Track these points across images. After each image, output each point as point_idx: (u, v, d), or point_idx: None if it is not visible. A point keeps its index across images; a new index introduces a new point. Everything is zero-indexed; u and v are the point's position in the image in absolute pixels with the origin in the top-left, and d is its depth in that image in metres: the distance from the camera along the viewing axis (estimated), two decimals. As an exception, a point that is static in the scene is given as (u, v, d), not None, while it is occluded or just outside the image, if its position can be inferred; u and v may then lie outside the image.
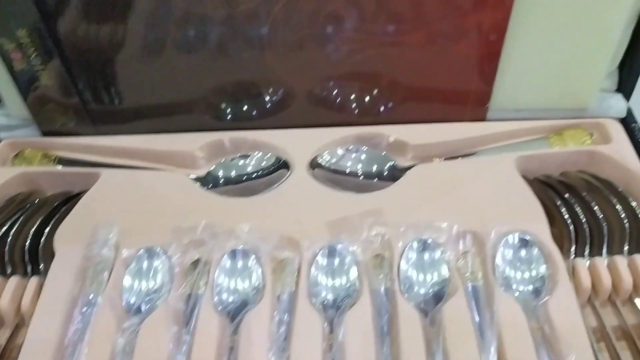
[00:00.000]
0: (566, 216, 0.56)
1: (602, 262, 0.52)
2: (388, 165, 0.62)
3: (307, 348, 0.48)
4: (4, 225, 0.56)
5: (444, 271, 0.52)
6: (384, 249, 0.54)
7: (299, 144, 0.63)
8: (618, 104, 0.65)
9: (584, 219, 0.55)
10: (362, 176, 0.62)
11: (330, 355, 0.47)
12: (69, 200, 0.59)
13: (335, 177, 0.61)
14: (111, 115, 0.64)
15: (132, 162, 0.63)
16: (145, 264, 0.54)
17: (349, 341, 0.48)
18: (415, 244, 0.54)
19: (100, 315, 0.50)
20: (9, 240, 0.55)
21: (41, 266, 0.54)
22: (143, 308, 0.51)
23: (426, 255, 0.53)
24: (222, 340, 0.49)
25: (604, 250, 0.54)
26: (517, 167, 0.60)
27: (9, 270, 0.54)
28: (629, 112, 0.65)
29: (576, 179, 0.59)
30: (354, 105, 0.64)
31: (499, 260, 0.52)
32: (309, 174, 0.61)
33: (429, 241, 0.54)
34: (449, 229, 0.54)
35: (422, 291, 0.51)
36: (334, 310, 0.50)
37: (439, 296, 0.51)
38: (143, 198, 0.59)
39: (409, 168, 0.61)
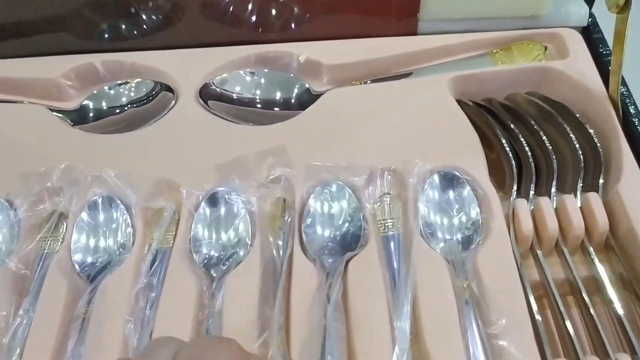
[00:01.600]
0: (508, 149, 0.45)
1: (548, 202, 0.42)
2: (296, 91, 0.51)
3: (176, 319, 0.38)
4: None
5: (356, 221, 0.42)
6: (286, 195, 0.44)
7: (186, 67, 0.52)
8: (578, 11, 0.54)
9: (530, 152, 0.45)
10: (262, 104, 0.51)
11: (204, 326, 0.38)
12: None
13: (229, 107, 0.50)
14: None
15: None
16: (-20, 220, 0.44)
17: (230, 309, 0.38)
18: (323, 189, 0.44)
19: None
20: None
21: None
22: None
23: (335, 204, 0.43)
24: (73, 311, 0.39)
25: (553, 190, 0.44)
26: (452, 89, 0.50)
27: None
28: (592, 21, 0.54)
29: (524, 103, 0.49)
30: (255, 18, 0.52)
31: (421, 203, 0.42)
32: (197, 104, 0.50)
33: (339, 186, 0.43)
34: (364, 169, 0.44)
35: (328, 244, 0.41)
36: (217, 270, 0.41)
37: (347, 249, 0.41)
38: (-12, 138, 0.48)
39: (323, 94, 0.50)
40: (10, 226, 0.43)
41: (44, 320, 0.38)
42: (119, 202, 0.44)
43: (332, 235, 0.42)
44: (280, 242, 0.42)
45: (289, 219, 0.43)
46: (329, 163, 0.44)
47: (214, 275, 0.40)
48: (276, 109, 0.51)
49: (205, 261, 0.41)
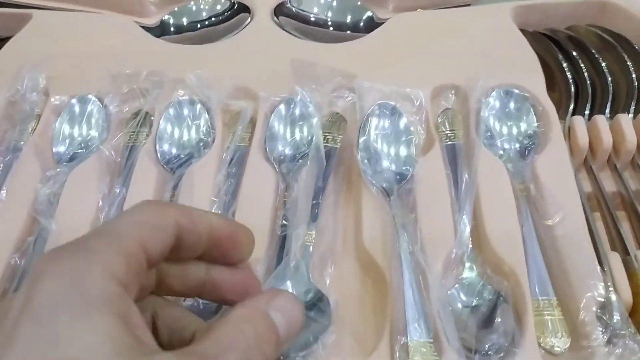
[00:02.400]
0: (568, 73, 0.48)
1: (603, 119, 0.45)
2: (365, 15, 0.54)
3: (256, 204, 0.41)
4: None
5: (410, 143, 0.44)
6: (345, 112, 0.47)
7: (262, -14, 0.55)
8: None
9: (588, 77, 0.48)
10: (332, 26, 0.54)
11: (281, 212, 0.41)
12: (-2, 43, 0.52)
13: (301, 26, 0.53)
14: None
15: (70, 6, 0.55)
16: (77, 112, 0.48)
17: (304, 199, 0.41)
18: (380, 110, 0.45)
19: (23, 163, 0.44)
20: None
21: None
22: (74, 158, 0.45)
23: (395, 122, 0.45)
24: (161, 195, 0.43)
25: (607, 110, 0.46)
26: (515, 18, 0.52)
27: None
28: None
29: (586, 34, 0.51)
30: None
31: (483, 114, 0.45)
32: (272, 21, 0.53)
33: (397, 106, 0.45)
34: (427, 85, 0.46)
35: (389, 167, 0.44)
36: (291, 165, 0.44)
37: (403, 175, 0.43)
38: (80, 43, 0.52)
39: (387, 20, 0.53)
40: (103, 120, 0.47)
41: (136, 201, 0.42)
42: (199, 103, 0.48)
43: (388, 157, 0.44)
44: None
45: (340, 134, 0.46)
46: (382, 85, 0.46)
47: (287, 169, 0.44)
48: (344, 31, 0.54)
49: (281, 157, 0.45)
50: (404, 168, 0.42)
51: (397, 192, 0.41)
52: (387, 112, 0.45)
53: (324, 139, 0.44)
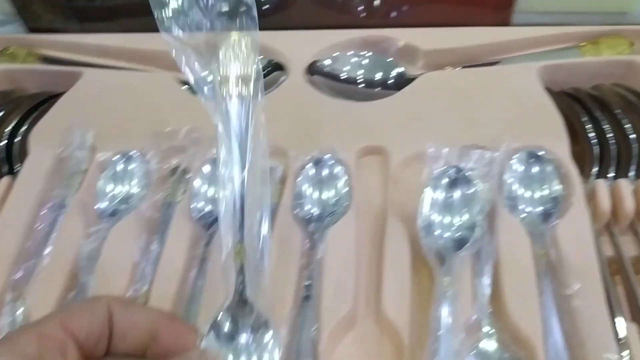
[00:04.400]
0: (592, 134, 0.49)
1: (626, 184, 0.45)
2: (395, 72, 0.56)
3: (284, 263, 0.43)
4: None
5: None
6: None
7: (297, 46, 0.57)
8: (668, 9, 0.56)
9: (613, 139, 0.48)
10: (364, 83, 0.56)
11: (307, 272, 0.43)
12: (50, 99, 0.56)
13: (333, 83, 0.55)
14: (98, 11, 0.60)
15: (118, 63, 0.59)
16: (120, 169, 0.50)
17: (329, 259, 0.43)
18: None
19: (68, 219, 0.47)
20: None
21: (17, 166, 0.51)
22: (115, 214, 0.48)
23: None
24: (194, 251, 0.45)
25: (632, 174, 0.47)
26: (541, 77, 0.53)
27: (-17, 170, 0.51)
28: (680, 19, 0.56)
29: (609, 93, 0.52)
30: (360, 5, 0.57)
31: (506, 177, 0.46)
32: (305, 80, 0.55)
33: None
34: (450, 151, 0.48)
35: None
36: (318, 224, 0.46)
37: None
38: (125, 100, 0.55)
39: (417, 77, 0.55)
40: (144, 176, 0.50)
41: (170, 258, 0.44)
42: (234, 161, 0.50)
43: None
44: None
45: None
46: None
47: (313, 229, 0.46)
48: (374, 88, 0.56)
49: (308, 217, 0.47)
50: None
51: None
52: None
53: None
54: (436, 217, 0.43)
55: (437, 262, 0.41)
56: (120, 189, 0.50)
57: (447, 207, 0.44)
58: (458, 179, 0.44)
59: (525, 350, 0.37)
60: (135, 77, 0.58)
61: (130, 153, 0.50)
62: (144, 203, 0.48)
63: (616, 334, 0.37)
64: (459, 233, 0.43)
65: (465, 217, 0.43)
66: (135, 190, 0.49)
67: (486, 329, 0.39)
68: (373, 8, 0.57)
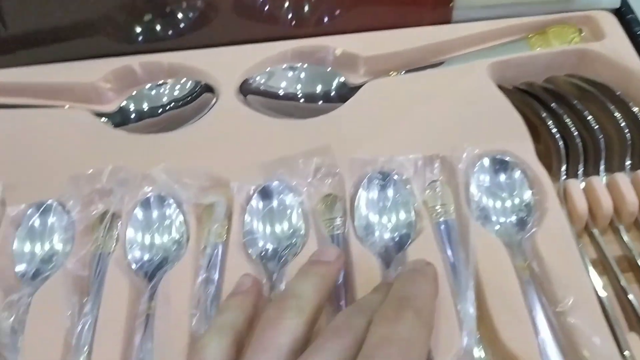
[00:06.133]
0: (554, 130, 0.46)
1: (599, 181, 0.43)
2: (335, 83, 0.51)
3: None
4: None
5: (409, 211, 0.42)
6: (335, 190, 0.44)
7: (225, 65, 0.52)
8: (610, -7, 0.54)
9: (576, 132, 0.45)
10: (304, 98, 0.51)
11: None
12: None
13: (271, 101, 0.50)
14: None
15: (23, 100, 0.51)
16: (37, 223, 0.44)
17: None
18: (373, 181, 0.43)
19: (-20, 289, 0.40)
20: None
21: None
22: (37, 276, 0.41)
23: (389, 193, 0.43)
24: (135, 309, 0.39)
25: (602, 168, 0.44)
26: (492, 75, 0.50)
27: None
28: (624, 2, 0.54)
29: (564, 85, 0.49)
30: (290, 14, 0.52)
31: (473, 188, 0.42)
32: (238, 100, 0.50)
33: (393, 176, 0.43)
34: (414, 160, 0.44)
35: (385, 236, 0.41)
36: (275, 262, 0.41)
37: (403, 241, 0.41)
38: (35, 142, 0.48)
39: (362, 86, 0.50)
40: (66, 228, 0.43)
41: (109, 319, 0.38)
42: (169, 199, 0.44)
43: (385, 227, 0.42)
44: (336, 233, 0.42)
45: (340, 216, 0.43)
46: (372, 156, 0.44)
47: (271, 267, 0.41)
48: (316, 102, 0.51)
49: (262, 254, 0.41)
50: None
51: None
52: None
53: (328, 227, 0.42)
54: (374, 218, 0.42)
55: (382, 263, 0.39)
56: (40, 247, 0.43)
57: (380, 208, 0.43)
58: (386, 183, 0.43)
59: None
60: (44, 115, 0.50)
61: (47, 203, 0.44)
62: (69, 260, 0.42)
63: (620, 348, 0.34)
64: (396, 233, 0.41)
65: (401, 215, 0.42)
66: (58, 246, 0.43)
67: (478, 355, 0.35)
68: (303, 16, 0.52)
